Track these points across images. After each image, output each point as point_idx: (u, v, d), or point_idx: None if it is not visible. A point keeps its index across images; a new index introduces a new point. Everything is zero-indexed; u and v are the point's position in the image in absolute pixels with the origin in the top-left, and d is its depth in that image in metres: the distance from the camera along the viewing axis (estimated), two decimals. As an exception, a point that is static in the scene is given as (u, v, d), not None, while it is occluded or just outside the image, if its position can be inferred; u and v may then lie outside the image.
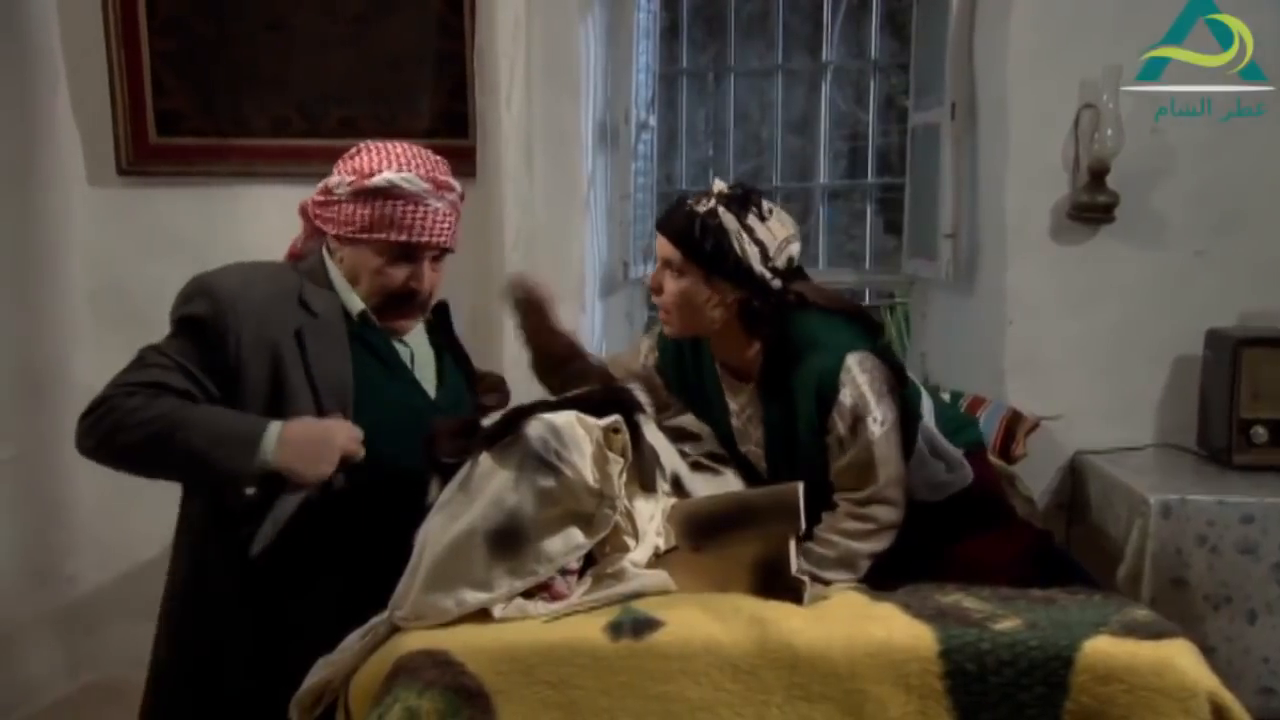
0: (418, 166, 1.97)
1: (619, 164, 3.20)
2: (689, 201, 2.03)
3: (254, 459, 1.79)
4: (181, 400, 1.82)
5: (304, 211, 2.05)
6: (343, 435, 1.85)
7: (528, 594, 1.66)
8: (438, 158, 2.04)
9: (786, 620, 1.64)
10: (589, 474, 1.73)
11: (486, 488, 1.72)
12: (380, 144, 2.00)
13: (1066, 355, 2.88)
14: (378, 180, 1.93)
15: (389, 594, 1.73)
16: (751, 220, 1.98)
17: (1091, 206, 2.80)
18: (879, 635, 1.62)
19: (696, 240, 1.97)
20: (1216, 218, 2.82)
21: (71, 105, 3.03)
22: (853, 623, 1.66)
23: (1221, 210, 2.82)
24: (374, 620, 1.71)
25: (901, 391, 2.00)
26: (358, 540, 1.87)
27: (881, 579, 1.90)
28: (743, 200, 1.99)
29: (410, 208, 1.95)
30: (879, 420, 1.93)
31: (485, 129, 2.89)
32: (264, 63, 3.02)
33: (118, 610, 2.75)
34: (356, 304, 1.98)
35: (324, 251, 2.03)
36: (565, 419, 1.77)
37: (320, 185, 2.00)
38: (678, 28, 3.60)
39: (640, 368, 2.27)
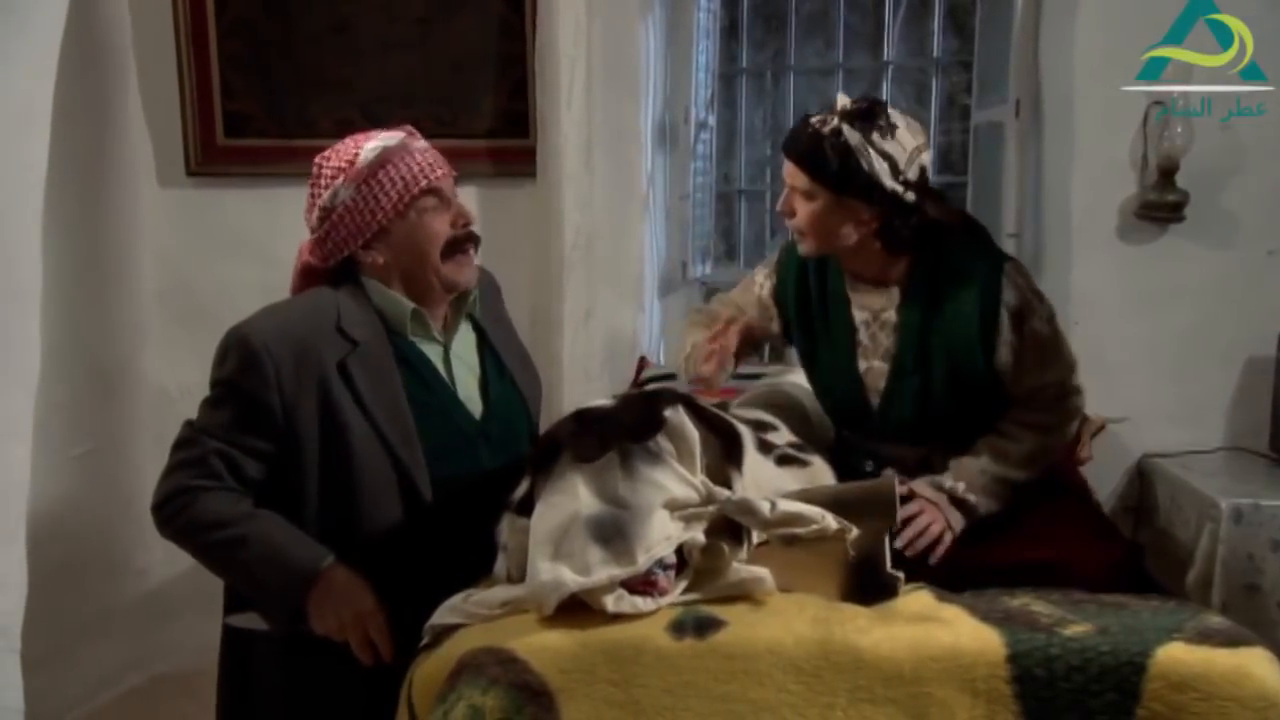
0: (372, 134, 1.92)
1: (678, 163, 3.21)
2: (813, 121, 1.94)
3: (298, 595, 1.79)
4: (236, 504, 1.81)
5: (306, 271, 1.98)
6: (363, 615, 1.80)
7: (633, 589, 1.64)
8: None
9: (851, 621, 1.62)
10: (695, 466, 1.74)
11: (589, 475, 1.71)
12: (330, 150, 1.93)
13: (1134, 356, 2.84)
14: (368, 154, 1.87)
15: None
16: (877, 135, 1.90)
17: (1160, 205, 2.75)
18: (945, 638, 1.59)
19: (823, 162, 1.90)
20: (1289, 217, 2.77)
21: (142, 107, 3.10)
22: (918, 625, 1.63)
23: (1294, 209, 2.77)
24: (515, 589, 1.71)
25: None
26: (409, 563, 1.86)
27: (962, 577, 1.85)
28: (867, 114, 1.91)
29: (408, 157, 1.89)
30: (1044, 317, 1.96)
31: (545, 129, 2.91)
32: (329, 65, 3.07)
33: (187, 604, 2.81)
34: (406, 307, 1.92)
35: (359, 276, 1.95)
36: (674, 412, 1.77)
37: (311, 225, 1.93)
38: (737, 27, 3.59)
39: (756, 300, 2.20)
